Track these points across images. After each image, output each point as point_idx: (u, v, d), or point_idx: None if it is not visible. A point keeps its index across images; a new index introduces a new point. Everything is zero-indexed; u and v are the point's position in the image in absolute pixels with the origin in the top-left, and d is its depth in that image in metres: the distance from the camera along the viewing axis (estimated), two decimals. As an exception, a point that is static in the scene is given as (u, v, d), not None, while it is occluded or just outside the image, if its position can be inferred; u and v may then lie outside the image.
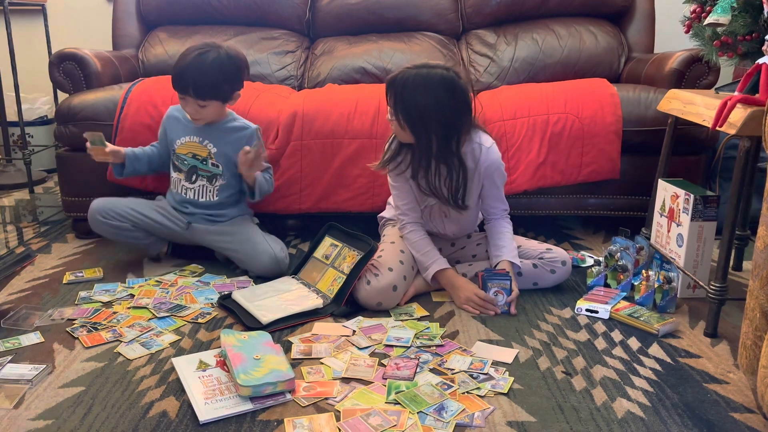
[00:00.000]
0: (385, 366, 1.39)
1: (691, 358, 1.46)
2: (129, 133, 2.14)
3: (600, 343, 1.52)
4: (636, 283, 1.77)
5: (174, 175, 2.01)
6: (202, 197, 1.99)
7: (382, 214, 2.02)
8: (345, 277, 1.70)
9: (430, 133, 1.62)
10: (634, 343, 1.52)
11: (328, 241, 1.86)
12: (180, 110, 2.00)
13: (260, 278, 1.89)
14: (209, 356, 1.42)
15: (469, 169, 1.71)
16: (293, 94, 2.42)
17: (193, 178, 1.99)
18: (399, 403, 1.25)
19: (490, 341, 1.53)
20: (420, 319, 1.65)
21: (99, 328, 1.57)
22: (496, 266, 1.76)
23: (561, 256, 1.81)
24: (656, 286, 1.71)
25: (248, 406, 1.23)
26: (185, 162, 1.98)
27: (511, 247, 1.79)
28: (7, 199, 2.86)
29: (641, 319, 1.61)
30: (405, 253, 1.77)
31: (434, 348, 1.48)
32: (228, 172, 1.99)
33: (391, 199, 1.93)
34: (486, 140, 1.74)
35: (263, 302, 1.66)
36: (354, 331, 1.57)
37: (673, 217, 1.79)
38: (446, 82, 1.60)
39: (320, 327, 1.59)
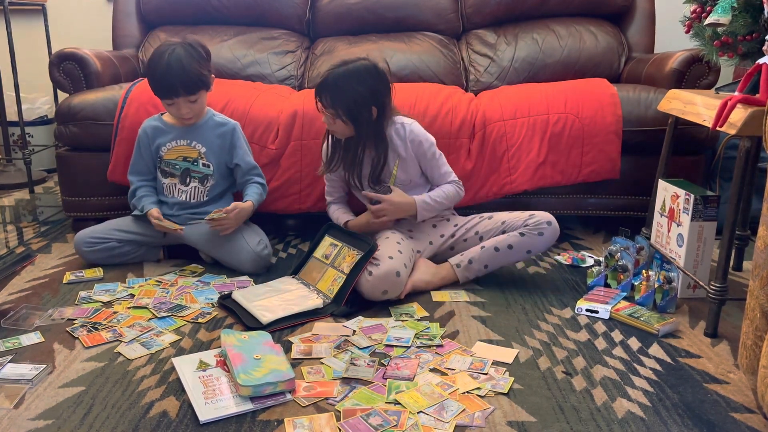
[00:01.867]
0: (385, 366, 1.39)
1: (691, 358, 1.46)
2: (129, 133, 2.14)
3: (600, 343, 1.52)
4: (636, 283, 1.77)
5: (165, 181, 2.01)
6: (194, 198, 2.01)
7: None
8: (345, 276, 1.70)
9: (369, 118, 1.80)
10: (634, 343, 1.52)
11: (327, 240, 1.86)
12: (157, 119, 2.02)
13: (260, 278, 1.89)
14: (209, 356, 1.42)
15: (398, 147, 1.87)
16: (293, 94, 2.42)
17: (187, 180, 2.00)
18: (399, 403, 1.25)
19: (490, 341, 1.53)
20: (420, 319, 1.64)
21: (99, 328, 1.57)
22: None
23: (545, 218, 1.82)
24: (656, 286, 1.71)
25: (248, 406, 1.23)
26: (177, 166, 1.99)
27: (426, 195, 1.90)
28: (7, 199, 2.86)
29: (641, 319, 1.61)
30: (402, 244, 1.78)
31: (434, 348, 1.48)
32: (217, 172, 2.01)
33: None
34: (406, 120, 1.91)
35: (263, 302, 1.66)
36: (354, 331, 1.56)
37: (674, 217, 1.79)
38: (370, 70, 1.79)
39: (320, 327, 1.59)
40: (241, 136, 2.04)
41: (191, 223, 1.97)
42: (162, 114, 2.04)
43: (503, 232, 1.84)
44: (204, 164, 2.00)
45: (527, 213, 1.86)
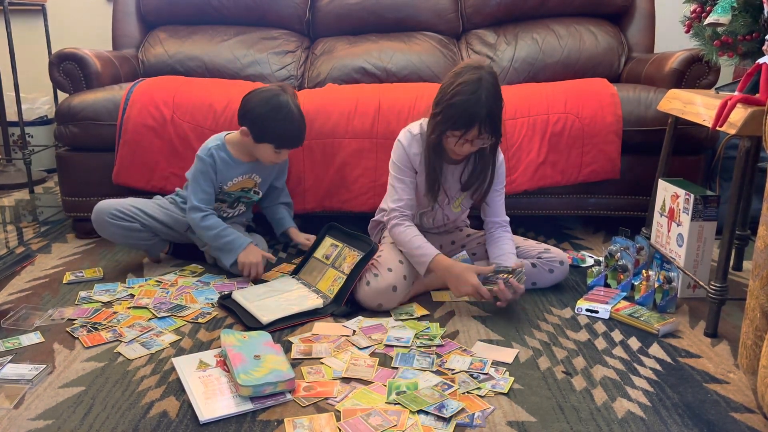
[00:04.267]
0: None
1: (691, 358, 1.46)
2: (132, 135, 2.14)
3: (600, 343, 1.52)
4: (636, 283, 1.77)
5: (215, 204, 1.98)
6: (233, 217, 2.06)
7: (377, 218, 1.97)
8: (345, 277, 1.70)
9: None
10: (634, 343, 1.52)
11: (328, 241, 1.86)
12: (223, 150, 1.91)
13: (259, 280, 1.89)
14: (209, 356, 1.42)
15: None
16: (293, 94, 2.42)
17: (235, 205, 2.03)
18: (399, 403, 1.25)
19: (490, 341, 1.53)
20: (420, 318, 1.64)
21: (99, 328, 1.57)
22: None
23: (559, 256, 1.82)
24: (656, 286, 1.71)
25: (248, 406, 1.23)
26: (232, 196, 1.99)
27: (513, 255, 1.77)
28: (7, 199, 2.86)
29: (641, 319, 1.61)
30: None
31: (434, 348, 1.48)
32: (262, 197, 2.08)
33: (384, 204, 1.92)
34: None
35: (263, 302, 1.66)
36: (354, 331, 1.56)
37: (674, 217, 1.79)
38: (496, 80, 1.62)
39: (320, 327, 1.59)
40: (287, 162, 2.09)
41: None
42: (225, 137, 1.95)
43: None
44: (255, 191, 2.02)
45: (543, 246, 1.85)
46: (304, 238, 2.04)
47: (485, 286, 1.63)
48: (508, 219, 1.85)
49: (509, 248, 1.78)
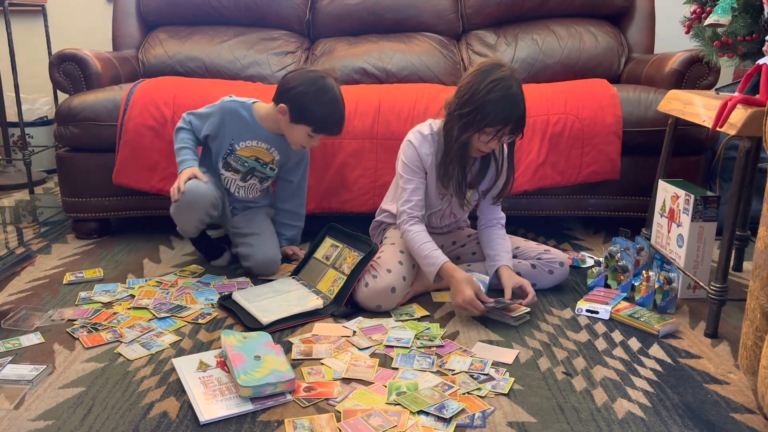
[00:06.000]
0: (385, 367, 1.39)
1: (691, 358, 1.46)
2: (133, 135, 2.14)
3: (600, 344, 1.52)
4: (636, 284, 1.77)
5: (226, 174, 1.96)
6: (249, 194, 2.01)
7: (378, 218, 1.97)
8: (345, 277, 1.70)
9: None
10: (634, 344, 1.52)
11: (328, 242, 1.86)
12: (246, 108, 1.91)
13: (259, 281, 1.89)
14: (210, 357, 1.42)
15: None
16: (293, 94, 2.41)
17: (248, 177, 1.98)
18: (399, 404, 1.25)
19: (490, 342, 1.53)
20: (420, 319, 1.64)
21: (99, 328, 1.57)
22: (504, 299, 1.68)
23: (559, 257, 1.82)
24: (656, 286, 1.71)
25: (249, 407, 1.23)
26: (246, 164, 1.94)
27: (508, 254, 1.78)
28: (7, 200, 2.86)
29: (642, 319, 1.61)
30: (404, 254, 1.76)
31: (434, 349, 1.48)
32: (277, 177, 2.05)
33: (386, 205, 1.93)
34: None
35: (263, 303, 1.66)
36: (354, 332, 1.56)
37: (674, 218, 1.79)
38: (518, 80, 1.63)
39: (320, 327, 1.59)
40: (308, 157, 2.07)
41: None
42: (254, 103, 1.93)
43: (514, 257, 1.83)
44: (271, 168, 1.98)
45: (543, 247, 1.86)
46: (290, 251, 2.05)
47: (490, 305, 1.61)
48: (504, 216, 1.86)
49: (503, 248, 1.79)
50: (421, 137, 1.74)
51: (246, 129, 1.91)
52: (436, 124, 1.75)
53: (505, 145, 1.77)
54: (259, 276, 1.91)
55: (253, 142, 1.92)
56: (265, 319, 1.57)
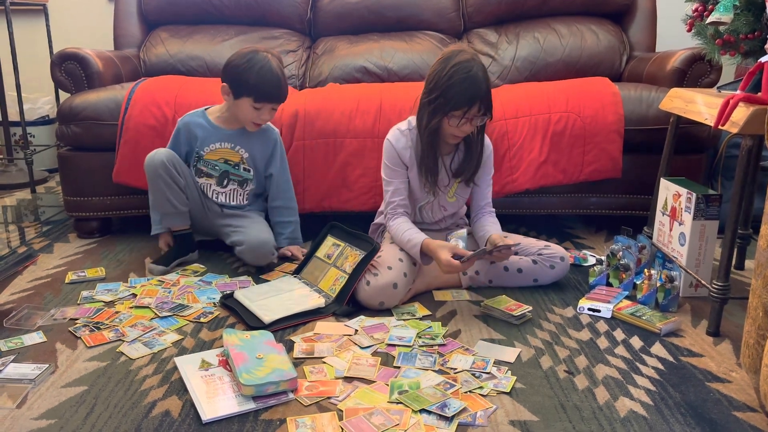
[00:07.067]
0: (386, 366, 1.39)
1: (693, 357, 1.46)
2: (133, 134, 2.14)
3: (602, 342, 1.52)
4: (638, 282, 1.77)
5: (201, 180, 2.01)
6: (233, 201, 2.04)
7: (377, 221, 1.98)
8: (347, 276, 1.70)
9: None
10: (636, 342, 1.52)
11: (330, 240, 1.86)
12: (201, 116, 1.99)
13: (261, 279, 1.89)
14: (212, 355, 1.42)
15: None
16: (295, 93, 2.41)
17: (225, 182, 2.01)
18: (401, 403, 1.25)
19: (492, 340, 1.53)
20: (422, 318, 1.65)
21: (101, 327, 1.57)
22: (486, 244, 1.76)
23: (559, 252, 1.83)
24: (658, 285, 1.71)
25: (251, 406, 1.23)
26: (216, 167, 1.99)
27: (497, 227, 1.83)
28: (9, 199, 2.86)
29: (643, 318, 1.60)
30: (404, 251, 1.76)
31: (436, 347, 1.48)
32: (256, 177, 2.04)
33: (382, 206, 1.93)
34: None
35: (265, 301, 1.66)
36: (356, 331, 1.57)
37: (675, 216, 1.79)
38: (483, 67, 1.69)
39: (322, 326, 1.59)
40: (281, 146, 2.07)
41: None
42: (206, 110, 2.02)
43: (515, 254, 1.83)
44: (245, 168, 2.01)
45: (543, 243, 1.87)
46: (288, 251, 2.05)
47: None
48: (491, 201, 1.90)
49: (492, 225, 1.83)
50: (398, 133, 1.80)
51: (206, 134, 1.98)
52: (415, 119, 1.79)
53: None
54: (255, 264, 1.94)
55: (216, 145, 1.98)
56: (267, 317, 1.58)
